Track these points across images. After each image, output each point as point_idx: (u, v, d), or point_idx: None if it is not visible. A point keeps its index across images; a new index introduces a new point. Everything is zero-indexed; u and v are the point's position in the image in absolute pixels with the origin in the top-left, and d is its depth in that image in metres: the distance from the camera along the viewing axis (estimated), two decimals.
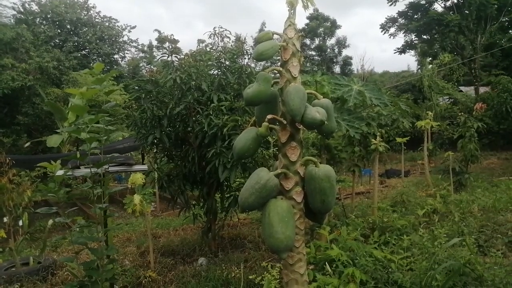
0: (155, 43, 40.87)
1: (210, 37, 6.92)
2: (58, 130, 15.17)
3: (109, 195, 3.51)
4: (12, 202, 6.83)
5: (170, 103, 6.05)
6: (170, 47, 6.62)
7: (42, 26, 24.44)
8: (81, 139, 3.32)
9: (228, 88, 6.32)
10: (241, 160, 5.27)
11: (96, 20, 27.72)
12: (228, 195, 6.64)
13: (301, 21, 41.76)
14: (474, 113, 12.87)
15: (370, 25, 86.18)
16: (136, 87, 6.55)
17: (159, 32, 40.85)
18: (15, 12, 23.92)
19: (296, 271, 1.75)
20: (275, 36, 1.82)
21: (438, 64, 24.09)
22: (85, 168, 4.27)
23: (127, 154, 13.67)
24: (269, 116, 1.71)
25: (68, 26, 26.11)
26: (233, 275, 4.94)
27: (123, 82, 18.19)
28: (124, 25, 29.30)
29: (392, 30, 28.63)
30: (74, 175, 3.81)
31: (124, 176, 15.49)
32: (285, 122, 1.74)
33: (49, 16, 25.13)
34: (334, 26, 41.56)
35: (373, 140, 6.88)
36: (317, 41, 41.96)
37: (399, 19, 27.78)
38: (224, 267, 5.29)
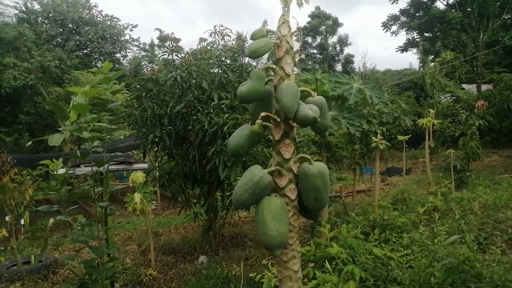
0: (156, 41, 40.92)
1: (211, 35, 6.93)
2: (60, 129, 15.21)
3: (110, 193, 3.52)
4: (13, 201, 6.86)
5: (171, 102, 6.06)
6: (171, 45, 6.62)
7: (44, 25, 24.45)
8: (83, 137, 3.34)
9: (228, 86, 6.32)
10: (235, 157, 5.28)
11: (98, 19, 27.72)
12: (229, 193, 6.66)
13: (303, 19, 41.70)
14: (475, 110, 12.83)
15: (372, 23, 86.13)
16: (138, 86, 6.56)
17: (160, 30, 40.92)
18: (17, 11, 23.97)
19: (290, 268, 1.76)
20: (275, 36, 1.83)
21: (440, 62, 24.04)
22: (86, 166, 4.28)
23: (128, 152, 13.68)
24: (262, 114, 1.71)
25: (70, 25, 26.12)
26: (233, 273, 4.96)
27: (124, 81, 18.20)
28: (126, 23, 29.30)
29: (394, 28, 28.59)
30: (75, 173, 3.82)
31: (126, 175, 15.51)
32: (278, 119, 1.74)
33: (51, 15, 25.14)
34: (336, 24, 41.50)
35: (374, 138, 6.87)
36: (318, 39, 41.90)
37: (401, 17, 27.71)
38: (224, 265, 5.31)
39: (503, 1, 22.36)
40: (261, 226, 1.62)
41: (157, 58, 36.77)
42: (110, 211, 3.54)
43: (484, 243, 4.85)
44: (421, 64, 33.77)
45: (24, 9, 24.32)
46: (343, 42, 41.67)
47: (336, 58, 42.17)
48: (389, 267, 4.13)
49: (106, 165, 3.48)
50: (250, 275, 4.65)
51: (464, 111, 11.48)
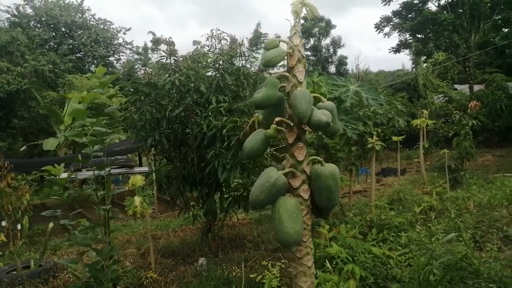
0: (149, 44, 40.88)
1: (207, 39, 6.98)
2: (58, 134, 15.13)
3: (113, 196, 3.55)
4: (11, 206, 6.86)
5: (169, 105, 6.11)
6: (168, 49, 6.66)
7: (37, 29, 24.36)
8: (78, 142, 3.37)
9: (226, 89, 6.38)
10: (250, 160, 5.37)
11: (91, 22, 27.69)
12: (227, 195, 6.70)
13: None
14: (468, 111, 12.98)
15: (365, 25, 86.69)
16: (132, 89, 6.59)
17: (153, 34, 40.90)
18: (9, 16, 23.91)
19: (304, 264, 1.85)
20: (283, 45, 1.90)
21: (432, 62, 24.28)
22: (87, 170, 4.31)
23: (124, 156, 13.67)
24: (277, 119, 1.80)
25: (63, 29, 26.05)
26: (234, 274, 5.00)
27: (118, 84, 18.19)
28: (119, 27, 29.29)
29: (386, 29, 28.84)
30: (77, 177, 3.85)
31: (121, 179, 15.50)
32: (292, 124, 1.82)
33: (43, 19, 25.06)
34: (329, 26, 41.73)
35: (370, 139, 6.95)
36: (312, 41, 42.10)
37: (394, 19, 27.95)
38: (224, 267, 5.35)
39: (493, 2, 22.65)
40: (277, 224, 1.71)
41: (150, 62, 36.78)
42: (112, 214, 3.58)
43: (481, 241, 4.94)
44: (413, 65, 34.09)
45: (16, 13, 24.26)
46: (336, 43, 41.92)
47: (330, 60, 42.41)
48: (388, 266, 4.20)
49: (108, 169, 3.52)
50: (251, 276, 4.70)
51: (457, 111, 11.62)
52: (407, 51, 31.77)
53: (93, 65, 28.07)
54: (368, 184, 12.44)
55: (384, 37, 29.59)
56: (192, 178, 6.39)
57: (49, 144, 15.41)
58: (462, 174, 9.97)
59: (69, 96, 3.97)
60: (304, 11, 1.86)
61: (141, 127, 6.31)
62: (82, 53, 26.72)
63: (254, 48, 36.89)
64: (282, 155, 7.60)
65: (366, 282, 3.92)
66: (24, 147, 16.55)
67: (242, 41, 7.04)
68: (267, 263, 5.02)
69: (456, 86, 27.12)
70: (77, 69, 24.28)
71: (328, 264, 4.21)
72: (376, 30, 29.12)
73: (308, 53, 42.41)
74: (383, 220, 5.94)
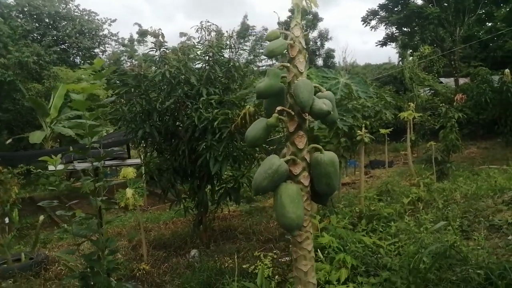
0: (135, 36, 40.38)
1: (197, 31, 6.96)
2: (57, 125, 14.79)
3: (107, 188, 3.56)
4: None
5: (160, 98, 6.09)
6: (157, 41, 6.61)
7: (19, 20, 23.82)
8: (65, 135, 3.36)
9: (216, 82, 6.38)
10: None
11: (75, 13, 27.20)
12: (219, 187, 6.74)
13: (284, 14, 41.69)
14: (454, 104, 13.20)
15: (351, 18, 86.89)
16: (118, 82, 6.54)
17: (139, 25, 40.37)
18: None
19: (305, 248, 1.92)
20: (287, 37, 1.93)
21: (418, 56, 24.50)
22: (79, 162, 4.30)
23: (112, 148, 13.55)
24: (278, 108, 1.86)
25: (47, 20, 25.54)
26: (226, 265, 5.05)
27: (106, 76, 17.97)
28: (104, 18, 28.87)
29: (373, 22, 28.98)
30: (76, 168, 3.84)
31: (110, 172, 15.37)
32: (293, 113, 1.88)
33: (25, 9, 24.51)
34: (316, 18, 41.75)
35: (358, 131, 7.04)
36: None
37: (380, 12, 28.11)
38: (217, 258, 5.40)
39: None
40: (280, 209, 1.77)
41: (137, 54, 36.33)
42: (107, 206, 3.59)
43: (468, 230, 5.08)
44: (400, 59, 34.36)
45: None
46: (324, 36, 42.00)
47: (317, 53, 42.48)
48: (379, 255, 4.30)
49: (103, 161, 3.52)
50: (244, 266, 4.76)
51: (443, 104, 11.81)
52: (393, 44, 32.01)
53: (78, 57, 27.65)
54: (356, 177, 12.59)
55: (371, 30, 29.78)
56: (183, 170, 6.40)
57: (35, 137, 15.19)
58: (448, 166, 10.17)
59: (69, 87, 3.92)
60: (304, 3, 1.90)
61: (131, 119, 6.28)
62: (66, 44, 26.25)
63: (242, 41, 36.73)
64: (271, 147, 7.66)
65: (357, 271, 4.01)
66: (10, 140, 16.28)
67: (232, 33, 7.04)
68: (259, 253, 5.09)
69: (442, 79, 27.46)
70: (62, 61, 23.88)
71: (320, 254, 4.29)
72: (363, 24, 29.28)
73: None
74: (372, 211, 6.05)
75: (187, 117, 5.99)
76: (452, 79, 25.75)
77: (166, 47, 6.49)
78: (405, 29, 27.66)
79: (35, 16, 24.88)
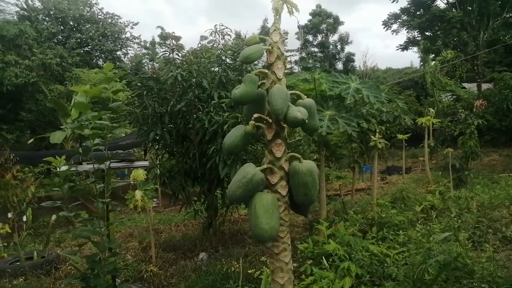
0: (157, 39, 40.91)
1: (211, 34, 7.01)
2: (61, 127, 15.23)
3: (112, 190, 3.60)
4: (16, 198, 6.96)
5: (171, 100, 6.14)
6: (172, 44, 6.68)
7: (45, 23, 24.50)
8: (84, 135, 3.42)
9: (228, 85, 6.39)
10: (230, 155, 5.40)
11: (99, 16, 27.81)
12: None
13: (304, 17, 41.58)
14: (474, 110, 12.89)
15: (373, 21, 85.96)
16: (139, 84, 6.64)
17: (162, 28, 40.89)
18: (18, 9, 24.05)
19: (281, 260, 1.87)
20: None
21: (441, 60, 24.07)
22: (88, 164, 4.36)
23: (129, 150, 13.77)
24: (255, 115, 1.83)
25: (71, 23, 26.19)
26: (232, 269, 5.04)
27: (125, 78, 18.28)
28: (127, 21, 29.39)
29: (394, 26, 28.57)
30: (77, 170, 3.90)
31: (127, 172, 15.61)
32: (270, 120, 1.85)
33: (52, 12, 25.20)
34: (336, 22, 41.47)
35: (372, 137, 6.94)
36: (319, 37, 41.91)
37: (402, 16, 27.70)
38: (224, 262, 5.39)
39: (503, 0, 22.36)
40: (253, 220, 1.74)
41: (158, 56, 36.83)
42: (111, 207, 3.62)
43: (479, 241, 4.93)
44: (421, 63, 33.79)
45: (25, 6, 24.39)
46: (344, 40, 41.63)
47: (337, 57, 42.14)
48: (385, 264, 4.21)
49: (108, 162, 3.56)
50: (249, 271, 4.74)
51: (463, 110, 11.54)
52: (415, 48, 31.51)
53: (100, 59, 28.22)
54: (372, 182, 12.42)
55: (392, 34, 29.37)
56: (194, 173, 6.43)
57: (56, 137, 15.48)
58: (466, 173, 9.92)
59: (72, 89, 4.02)
60: (285, 8, 1.87)
61: (143, 122, 6.36)
62: (89, 47, 26.85)
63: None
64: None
65: (361, 280, 3.93)
66: (31, 140, 16.68)
67: (245, 36, 7.06)
68: (266, 259, 5.05)
69: (465, 84, 26.87)
70: (85, 63, 24.43)
71: (324, 261, 4.23)
72: (384, 27, 28.90)
73: (316, 49, 42.25)
74: (384, 218, 5.94)
75: (198, 120, 6.02)
76: (475, 84, 25.15)
77: (181, 50, 6.56)
78: (427, 33, 27.18)
79: (60, 19, 25.53)
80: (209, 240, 6.70)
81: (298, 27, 38.33)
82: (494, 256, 4.10)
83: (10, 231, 6.71)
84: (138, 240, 7.22)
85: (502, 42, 25.18)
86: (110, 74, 3.60)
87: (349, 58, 41.23)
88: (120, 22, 28.92)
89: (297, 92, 1.99)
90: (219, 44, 6.91)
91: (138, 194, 5.35)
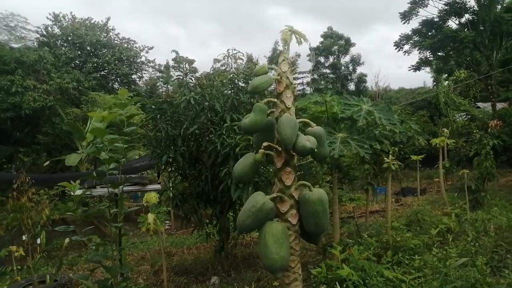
0: (172, 63, 41.63)
1: (224, 58, 7.13)
2: (78, 152, 15.48)
3: (125, 214, 3.62)
4: (31, 221, 7.02)
5: (185, 123, 6.21)
6: (185, 68, 6.81)
7: (63, 48, 25.20)
8: (99, 158, 3.47)
9: (240, 108, 6.45)
10: (240, 183, 5.40)
11: (115, 41, 28.49)
12: None
13: (315, 39, 41.94)
14: (489, 130, 12.70)
15: (385, 42, 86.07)
16: (153, 107, 6.74)
17: (176, 52, 41.60)
18: (38, 36, 24.83)
19: None
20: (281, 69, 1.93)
21: (454, 80, 23.91)
22: (102, 187, 4.41)
23: (143, 172, 13.88)
24: (265, 144, 1.83)
25: (88, 48, 26.85)
26: None
27: (140, 101, 18.57)
28: (142, 46, 30.01)
29: (406, 47, 28.60)
30: (92, 194, 3.95)
31: (140, 195, 15.67)
32: (280, 149, 1.85)
33: (70, 38, 25.92)
34: (348, 44, 41.74)
35: (386, 158, 6.88)
36: (331, 59, 42.17)
37: (413, 37, 27.76)
38: (236, 286, 5.33)
39: None
40: (263, 249, 1.71)
41: (171, 80, 37.42)
42: (124, 232, 3.63)
43: (497, 266, 4.78)
44: (434, 83, 33.62)
45: (45, 33, 25.18)
46: (356, 61, 41.80)
47: (349, 78, 42.25)
48: None
49: (121, 187, 3.59)
50: None
51: (477, 130, 11.39)
52: (427, 68, 31.43)
53: (116, 83, 28.75)
54: (386, 204, 12.24)
55: (404, 55, 29.32)
56: (206, 195, 6.44)
57: (71, 160, 15.74)
58: (483, 195, 9.71)
59: (90, 115, 4.10)
60: (294, 38, 1.89)
61: (157, 144, 6.43)
62: (106, 71, 27.41)
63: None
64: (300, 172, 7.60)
65: None
66: (47, 162, 16.92)
67: (257, 60, 7.16)
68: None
69: (479, 104, 26.58)
70: (101, 87, 24.90)
71: (338, 287, 4.15)
72: (396, 48, 28.96)
73: (328, 70, 42.46)
74: (399, 242, 5.82)
75: (211, 143, 6.06)
76: (490, 103, 24.86)
77: (194, 74, 6.67)
78: (439, 53, 27.13)
79: (78, 45, 26.21)
80: (221, 264, 6.64)
81: (310, 49, 38.77)
82: None
83: (24, 254, 6.75)
84: (150, 264, 7.19)
85: None
86: (125, 100, 3.68)
87: (361, 79, 41.29)
88: (135, 47, 29.57)
89: (306, 120, 2.00)
90: (231, 68, 7.02)
91: (151, 217, 5.36)
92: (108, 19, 27.97)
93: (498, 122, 12.69)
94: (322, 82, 40.99)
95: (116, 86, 28.58)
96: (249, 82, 6.56)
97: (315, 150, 1.77)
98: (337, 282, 4.26)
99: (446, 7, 25.08)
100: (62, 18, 26.25)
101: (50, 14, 26.03)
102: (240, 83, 6.58)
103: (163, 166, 6.68)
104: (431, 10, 38.32)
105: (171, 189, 6.92)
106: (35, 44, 24.18)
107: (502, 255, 5.08)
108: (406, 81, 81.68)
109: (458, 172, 12.59)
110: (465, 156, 16.82)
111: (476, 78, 24.08)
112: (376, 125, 6.05)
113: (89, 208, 11.93)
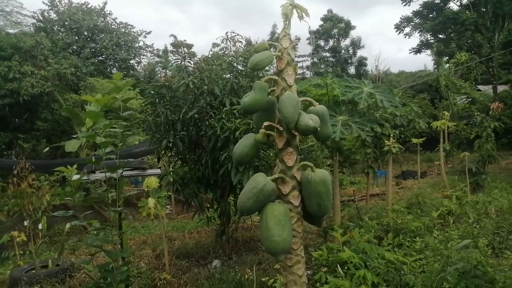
0: (170, 47, 41.28)
1: (222, 41, 7.03)
2: (75, 136, 15.46)
3: (125, 198, 3.60)
4: (31, 206, 7.04)
5: (184, 108, 6.15)
6: (184, 52, 6.72)
7: (60, 34, 24.94)
8: (99, 143, 3.43)
9: (240, 92, 6.38)
10: (240, 165, 5.35)
11: (113, 26, 28.16)
12: None
13: (315, 22, 41.52)
14: (490, 112, 12.64)
15: (385, 25, 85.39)
16: (152, 92, 6.68)
17: (174, 37, 41.21)
18: (34, 21, 24.54)
19: (295, 273, 1.80)
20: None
21: (455, 63, 23.74)
22: (100, 172, 4.37)
23: (143, 157, 13.86)
24: (265, 123, 1.77)
25: (86, 33, 26.59)
26: (246, 277, 4.99)
27: (139, 87, 18.44)
28: (140, 30, 29.67)
29: (407, 29, 28.31)
30: (89, 179, 3.92)
31: (141, 180, 15.69)
32: (281, 128, 1.79)
33: (67, 23, 25.64)
34: (348, 27, 41.36)
35: (386, 141, 6.84)
36: (331, 42, 41.84)
37: (414, 19, 27.45)
38: (237, 269, 5.35)
39: None
40: (264, 232, 1.67)
41: (170, 64, 37.14)
42: (124, 216, 3.62)
43: (499, 248, 4.79)
44: (435, 66, 33.40)
45: (41, 18, 24.88)
46: (356, 44, 41.47)
47: (349, 61, 41.98)
48: (402, 272, 4.11)
49: (120, 171, 3.56)
50: (263, 279, 4.68)
51: (479, 113, 11.33)
52: (428, 51, 31.17)
53: (114, 68, 28.54)
54: (386, 187, 12.26)
55: (405, 37, 29.05)
56: (206, 180, 6.42)
57: (71, 145, 15.72)
58: (483, 177, 9.71)
59: (84, 98, 4.04)
60: (294, 13, 1.82)
61: (156, 129, 6.38)
62: (103, 56, 27.18)
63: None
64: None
65: None
66: (47, 149, 16.92)
67: (256, 42, 7.05)
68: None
69: (480, 87, 26.45)
70: (99, 72, 24.72)
71: (339, 269, 4.15)
72: (397, 31, 28.67)
73: (328, 54, 42.17)
74: (400, 224, 5.83)
75: (210, 127, 6.02)
76: (491, 86, 24.73)
77: (192, 58, 6.58)
78: (441, 35, 26.88)
79: (75, 30, 25.94)
80: (222, 247, 6.67)
81: (309, 32, 38.39)
82: None
83: (26, 239, 6.78)
84: (152, 248, 7.22)
85: None
86: (120, 83, 3.62)
87: (361, 62, 41.04)
88: (133, 32, 29.24)
89: (309, 98, 1.94)
90: (230, 51, 6.92)
91: (151, 201, 5.35)
92: (105, 3, 27.55)
93: (499, 105, 12.62)
94: (322, 66, 40.74)
95: (114, 72, 28.34)
96: (246, 65, 6.57)
97: (318, 129, 1.71)
98: (338, 265, 4.26)
99: None
100: (58, 3, 25.88)
101: None
102: (239, 67, 6.50)
103: (163, 151, 6.64)
104: None
105: (171, 173, 6.90)
106: (32, 29, 23.91)
107: (504, 236, 5.09)
108: (407, 65, 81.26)
109: (459, 155, 12.58)
110: (465, 139, 16.79)
111: (477, 61, 23.91)
112: (377, 108, 6.00)
113: (90, 193, 11.98)
